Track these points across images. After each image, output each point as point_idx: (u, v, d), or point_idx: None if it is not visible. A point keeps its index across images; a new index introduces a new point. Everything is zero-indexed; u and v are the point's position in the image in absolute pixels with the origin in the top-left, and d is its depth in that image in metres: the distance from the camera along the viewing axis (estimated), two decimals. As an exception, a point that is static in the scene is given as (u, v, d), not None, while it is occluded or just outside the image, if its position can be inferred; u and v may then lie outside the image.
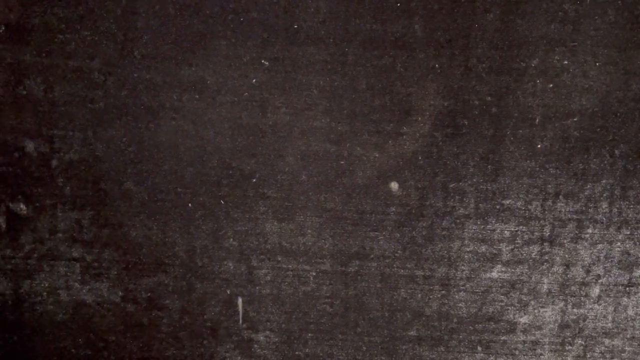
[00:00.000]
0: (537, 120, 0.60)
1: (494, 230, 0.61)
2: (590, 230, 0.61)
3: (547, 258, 0.61)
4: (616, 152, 0.60)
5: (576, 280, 0.61)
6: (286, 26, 0.60)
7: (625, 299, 0.61)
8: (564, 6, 0.59)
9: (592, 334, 0.62)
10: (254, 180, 0.61)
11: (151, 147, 0.62)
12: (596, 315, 0.61)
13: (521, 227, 0.61)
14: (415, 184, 0.61)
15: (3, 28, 0.62)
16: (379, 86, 0.60)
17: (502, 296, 0.62)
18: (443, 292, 0.62)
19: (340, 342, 0.63)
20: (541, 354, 0.62)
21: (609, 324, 0.61)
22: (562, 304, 0.61)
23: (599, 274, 0.61)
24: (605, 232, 0.61)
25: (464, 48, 0.60)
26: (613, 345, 0.62)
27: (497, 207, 0.61)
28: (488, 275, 0.62)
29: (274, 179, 0.61)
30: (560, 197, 0.60)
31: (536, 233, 0.61)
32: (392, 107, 0.60)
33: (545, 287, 0.61)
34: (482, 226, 0.61)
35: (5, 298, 0.64)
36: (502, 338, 0.62)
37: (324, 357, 0.63)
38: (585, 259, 0.61)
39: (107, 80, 0.61)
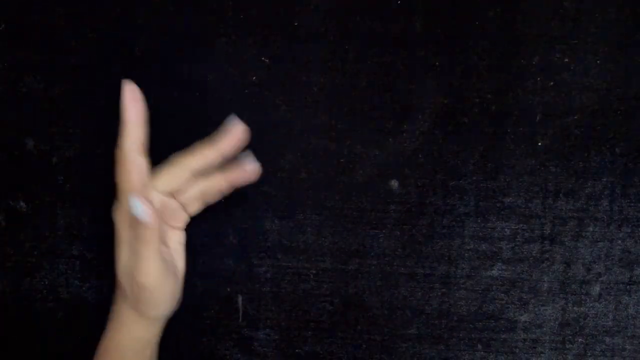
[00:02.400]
0: (538, 118, 0.60)
1: (494, 228, 0.61)
2: (590, 228, 0.61)
3: (547, 256, 0.61)
4: (617, 150, 0.60)
5: (577, 278, 0.61)
6: (286, 24, 0.60)
7: (626, 297, 0.61)
8: (565, 4, 0.59)
9: (593, 332, 0.62)
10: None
11: (151, 144, 0.62)
12: (597, 314, 0.61)
13: (521, 225, 0.61)
14: (415, 181, 0.61)
15: (3, 26, 0.62)
16: (379, 84, 0.60)
17: (503, 294, 0.62)
18: (443, 290, 0.62)
19: (340, 340, 0.63)
20: (542, 352, 0.62)
21: (610, 322, 0.61)
22: (562, 302, 0.61)
23: (599, 272, 0.61)
24: (606, 230, 0.61)
25: (464, 46, 0.60)
26: (614, 344, 0.62)
27: (498, 205, 0.61)
28: (488, 273, 0.62)
29: (273, 177, 0.61)
30: (561, 195, 0.60)
31: (537, 231, 0.61)
32: (393, 104, 0.60)
33: (545, 285, 0.61)
34: (483, 224, 0.61)
35: (5, 295, 0.64)
36: (503, 336, 0.62)
37: (323, 355, 0.63)
38: (586, 257, 0.61)
39: (107, 78, 0.62)
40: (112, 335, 0.56)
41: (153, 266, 0.52)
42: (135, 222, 0.52)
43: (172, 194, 0.56)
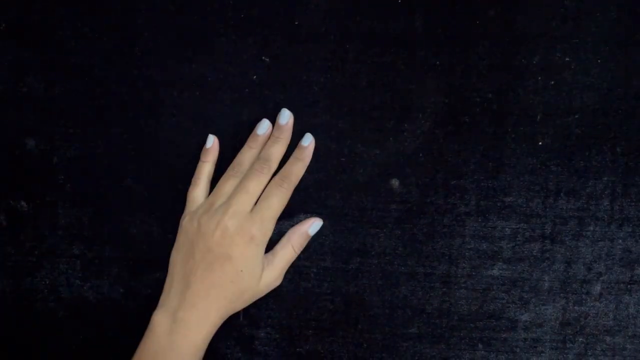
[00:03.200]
0: (538, 118, 0.60)
1: (494, 227, 0.61)
2: (591, 228, 0.61)
3: (548, 255, 0.61)
4: (617, 149, 0.60)
5: (577, 277, 0.61)
6: (286, 23, 0.60)
7: (627, 297, 0.61)
8: (565, 3, 0.59)
9: (594, 332, 0.62)
10: (255, 177, 0.61)
11: (151, 143, 0.62)
12: (597, 313, 0.61)
13: (522, 224, 0.61)
14: (416, 181, 0.61)
15: (4, 25, 0.62)
16: (379, 83, 0.60)
17: (503, 294, 0.62)
18: (444, 289, 0.62)
19: (341, 338, 0.63)
20: (542, 352, 0.62)
21: (610, 322, 0.61)
22: (563, 302, 0.61)
23: (600, 272, 0.61)
24: (607, 229, 0.60)
25: (464, 45, 0.59)
26: (614, 343, 0.62)
27: (498, 204, 0.61)
28: (489, 272, 0.62)
29: (274, 176, 0.61)
30: (562, 194, 0.60)
31: (537, 230, 0.61)
32: (393, 104, 0.60)
33: (546, 284, 0.61)
34: (483, 223, 0.61)
35: (6, 295, 0.64)
36: (503, 335, 0.62)
37: (324, 354, 0.63)
38: (587, 256, 0.61)
39: (107, 77, 0.62)
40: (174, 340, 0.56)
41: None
42: None
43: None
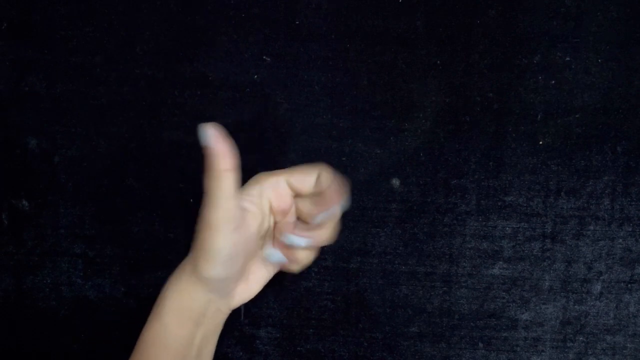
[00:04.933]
0: (539, 117, 0.60)
1: (495, 226, 0.61)
2: (592, 227, 0.61)
3: (548, 255, 0.61)
4: (618, 148, 0.60)
5: (578, 277, 0.61)
6: (288, 22, 0.60)
7: (627, 296, 0.61)
8: (566, 2, 0.59)
9: (594, 331, 0.62)
10: (256, 176, 0.61)
11: (153, 143, 0.62)
12: (598, 312, 0.61)
13: (523, 223, 0.61)
14: (416, 180, 0.61)
15: (5, 25, 0.62)
16: (380, 82, 0.60)
17: (504, 293, 0.62)
18: (444, 288, 0.62)
19: (342, 338, 0.63)
20: (542, 351, 0.62)
21: (611, 321, 0.61)
22: (563, 301, 0.61)
23: (600, 271, 0.61)
24: (607, 228, 0.61)
25: (465, 44, 0.60)
26: (615, 342, 0.62)
27: (499, 203, 0.61)
28: (489, 271, 0.62)
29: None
30: (562, 193, 0.60)
31: (538, 230, 0.61)
32: (394, 103, 0.60)
33: (546, 283, 0.61)
34: (484, 223, 0.61)
35: (8, 294, 0.64)
36: (504, 334, 0.62)
37: (325, 353, 0.63)
38: (587, 255, 0.61)
39: (109, 77, 0.62)
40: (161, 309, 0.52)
41: (224, 205, 0.48)
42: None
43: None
